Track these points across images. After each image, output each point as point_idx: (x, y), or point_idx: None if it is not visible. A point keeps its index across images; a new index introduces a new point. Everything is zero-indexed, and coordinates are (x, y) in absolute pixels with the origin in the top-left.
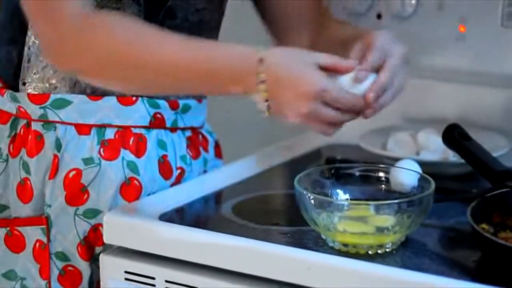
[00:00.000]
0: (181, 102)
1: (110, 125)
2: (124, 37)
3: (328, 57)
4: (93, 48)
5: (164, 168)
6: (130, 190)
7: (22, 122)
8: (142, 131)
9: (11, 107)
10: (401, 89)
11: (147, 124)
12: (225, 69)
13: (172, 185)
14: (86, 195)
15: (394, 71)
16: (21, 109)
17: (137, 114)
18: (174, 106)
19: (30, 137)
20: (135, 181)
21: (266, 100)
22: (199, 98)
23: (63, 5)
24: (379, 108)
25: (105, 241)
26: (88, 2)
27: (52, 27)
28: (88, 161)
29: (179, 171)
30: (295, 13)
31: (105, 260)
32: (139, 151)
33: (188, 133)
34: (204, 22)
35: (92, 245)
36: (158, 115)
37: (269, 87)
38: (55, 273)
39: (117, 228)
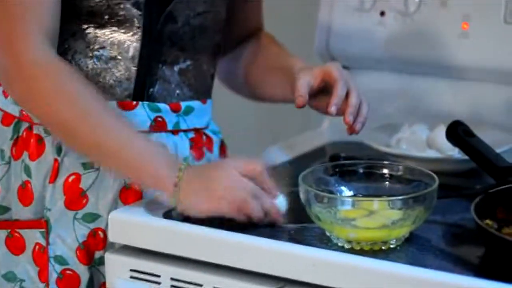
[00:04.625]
0: (183, 104)
1: None
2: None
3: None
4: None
5: None
6: (130, 195)
7: (25, 125)
8: None
9: (14, 109)
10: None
11: (147, 128)
12: (146, 168)
13: None
14: (85, 200)
15: (358, 90)
16: (24, 112)
17: (137, 119)
18: (176, 109)
19: (32, 140)
20: (135, 185)
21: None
22: (203, 99)
23: (25, 42)
24: (364, 120)
25: (110, 239)
26: (50, 38)
27: (12, 60)
28: (87, 166)
29: None
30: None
31: (110, 259)
32: None
33: (191, 135)
34: (206, 26)
35: (92, 249)
36: (159, 119)
37: (182, 186)
38: (53, 276)
39: (122, 226)
